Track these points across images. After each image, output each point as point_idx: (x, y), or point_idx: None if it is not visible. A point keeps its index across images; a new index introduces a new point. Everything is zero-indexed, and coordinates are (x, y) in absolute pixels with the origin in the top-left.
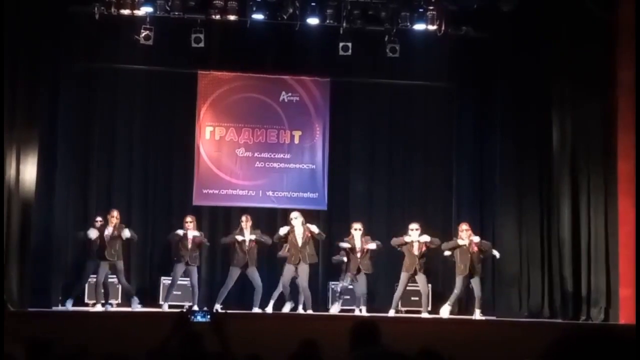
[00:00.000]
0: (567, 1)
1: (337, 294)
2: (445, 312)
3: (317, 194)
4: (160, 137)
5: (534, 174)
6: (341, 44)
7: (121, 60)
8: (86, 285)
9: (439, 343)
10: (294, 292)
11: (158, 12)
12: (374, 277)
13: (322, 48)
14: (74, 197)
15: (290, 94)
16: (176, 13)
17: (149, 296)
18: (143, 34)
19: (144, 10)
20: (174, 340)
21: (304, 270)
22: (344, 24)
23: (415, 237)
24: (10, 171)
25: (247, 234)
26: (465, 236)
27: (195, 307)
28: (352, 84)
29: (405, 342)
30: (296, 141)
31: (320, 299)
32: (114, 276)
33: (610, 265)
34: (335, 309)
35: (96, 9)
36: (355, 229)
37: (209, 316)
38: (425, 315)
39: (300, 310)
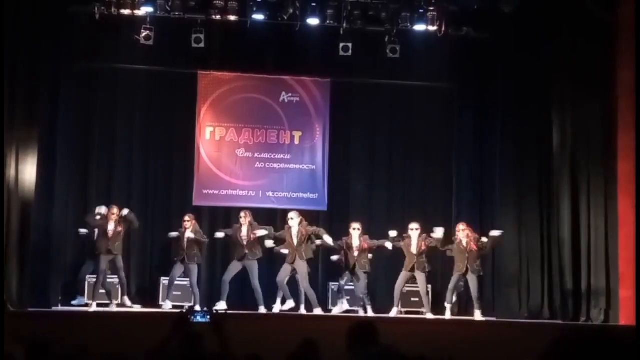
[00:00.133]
0: (568, 2)
1: (337, 294)
2: (446, 313)
3: (317, 195)
4: (160, 138)
5: (534, 174)
6: (341, 45)
7: (121, 61)
8: (85, 285)
9: (438, 344)
10: (293, 292)
11: (158, 12)
12: (374, 277)
13: (322, 48)
14: (73, 197)
15: (290, 95)
16: (176, 13)
17: (149, 296)
18: (143, 34)
19: (144, 10)
20: (173, 341)
21: (302, 269)
22: (345, 25)
23: (415, 237)
24: (10, 171)
25: (244, 230)
26: (463, 236)
27: (198, 307)
28: (352, 84)
29: (405, 343)
30: (296, 142)
31: (320, 299)
32: (115, 276)
33: (610, 266)
34: (337, 309)
35: (96, 9)
36: (354, 229)
37: (208, 316)
38: (429, 315)
39: (303, 310)
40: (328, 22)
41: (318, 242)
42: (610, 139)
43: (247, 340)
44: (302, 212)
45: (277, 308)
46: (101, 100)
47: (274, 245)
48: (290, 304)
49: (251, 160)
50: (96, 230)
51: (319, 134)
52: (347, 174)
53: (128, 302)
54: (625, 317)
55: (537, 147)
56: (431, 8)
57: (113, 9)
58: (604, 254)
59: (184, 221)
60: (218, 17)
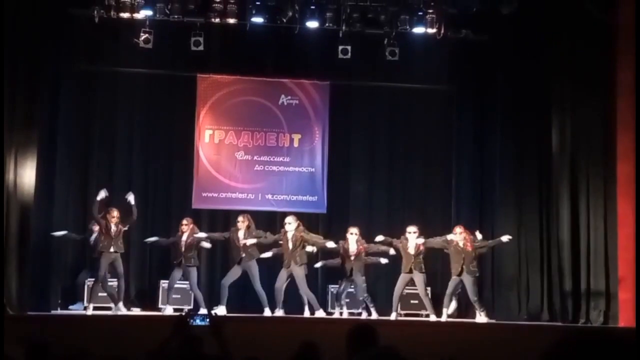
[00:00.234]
0: (567, 3)
1: (336, 302)
2: (442, 317)
3: (316, 197)
4: (159, 140)
5: (533, 175)
6: (340, 47)
7: (121, 64)
8: (85, 289)
9: (438, 346)
10: (294, 295)
11: (157, 16)
12: (374, 280)
13: (321, 51)
14: (73, 200)
15: (289, 97)
16: (175, 16)
17: (148, 299)
18: (142, 37)
19: (144, 14)
20: (172, 343)
21: (298, 273)
22: (344, 27)
23: (412, 240)
24: (10, 174)
25: (241, 235)
26: (459, 238)
27: (203, 310)
28: (351, 87)
29: (405, 345)
30: (295, 144)
31: (319, 302)
32: (114, 279)
33: (609, 268)
34: (337, 313)
35: (96, 12)
36: (351, 233)
37: (208, 319)
38: (432, 317)
39: (307, 313)
40: (327, 24)
41: (313, 248)
42: (610, 140)
43: (246, 343)
44: (301, 215)
45: (277, 312)
46: (101, 103)
47: (269, 255)
48: (279, 312)
49: (250, 163)
50: (95, 231)
51: (318, 137)
52: (347, 177)
53: (123, 309)
54: (624, 319)
55: (537, 148)
56: (430, 10)
57: (112, 12)
58: (603, 255)
59: (182, 224)
60: (217, 20)
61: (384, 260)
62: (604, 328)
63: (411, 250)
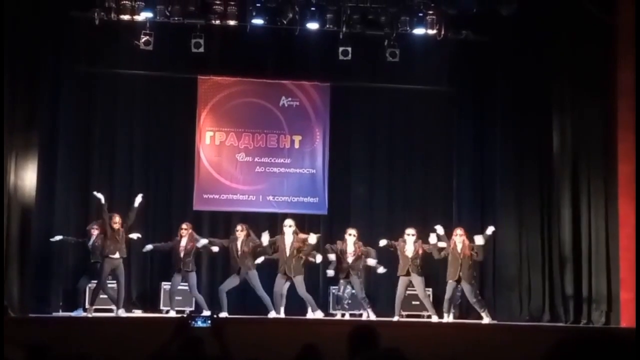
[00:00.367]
0: (567, 4)
1: (336, 305)
2: (445, 319)
3: (317, 199)
4: (160, 142)
5: (534, 177)
6: (341, 49)
7: (121, 66)
8: (86, 294)
9: (440, 347)
10: (295, 297)
11: (158, 18)
12: (374, 281)
13: (322, 53)
14: (74, 203)
15: (290, 99)
16: (176, 18)
17: (149, 301)
18: (143, 39)
19: (144, 16)
20: (173, 346)
21: (297, 281)
22: (344, 29)
23: (410, 242)
24: (10, 176)
25: (239, 244)
26: (459, 241)
27: (206, 312)
28: (352, 88)
29: (406, 347)
30: (296, 146)
31: (321, 304)
32: (114, 282)
33: (611, 268)
34: (339, 315)
35: (96, 14)
36: (350, 234)
37: (209, 321)
38: (434, 318)
39: (310, 314)
40: (327, 26)
41: (311, 258)
42: (611, 141)
43: (247, 345)
44: (302, 216)
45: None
46: (101, 105)
47: (261, 261)
48: (281, 315)
49: (251, 165)
50: (94, 235)
51: (319, 138)
52: (347, 178)
53: (123, 314)
54: (626, 320)
55: (537, 149)
56: (430, 12)
57: (113, 15)
58: (604, 256)
59: (181, 229)
60: (217, 22)
61: (381, 270)
62: (606, 328)
63: (409, 253)
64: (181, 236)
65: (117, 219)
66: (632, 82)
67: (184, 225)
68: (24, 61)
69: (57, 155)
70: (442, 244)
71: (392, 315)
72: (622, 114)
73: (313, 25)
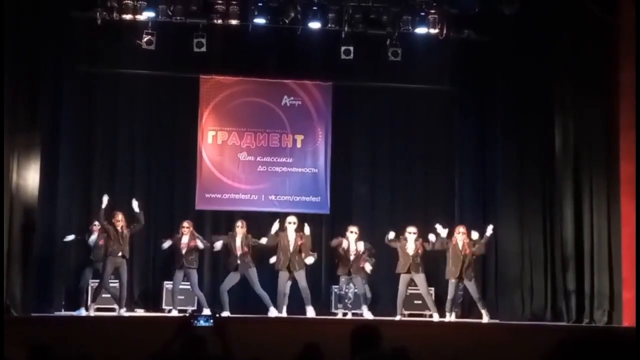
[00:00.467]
0: (569, 4)
1: (338, 303)
2: (447, 319)
3: (319, 198)
4: (162, 142)
5: (536, 176)
6: (343, 48)
7: (123, 65)
8: (88, 292)
9: (442, 346)
10: (293, 298)
11: (160, 17)
12: (376, 281)
13: (324, 52)
14: (76, 202)
15: (292, 98)
16: (178, 18)
17: (151, 300)
18: (145, 39)
19: (146, 15)
20: (176, 345)
21: (299, 275)
22: (346, 28)
23: (411, 240)
24: (13, 176)
25: (238, 240)
26: (460, 239)
27: (206, 310)
28: (354, 87)
29: (409, 346)
30: (298, 145)
31: (322, 302)
32: (116, 281)
33: (613, 267)
34: (341, 314)
35: (98, 13)
36: (351, 232)
37: (211, 320)
38: (435, 317)
39: (311, 313)
40: (329, 25)
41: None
42: (613, 140)
43: (249, 344)
44: (304, 216)
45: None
46: (103, 105)
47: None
48: (283, 314)
49: (253, 164)
50: (95, 235)
51: (321, 137)
52: (350, 177)
53: (125, 313)
54: (628, 319)
55: (539, 148)
56: (432, 11)
57: (115, 14)
58: (607, 255)
59: (182, 227)
60: (219, 21)
61: (368, 267)
62: (608, 328)
63: (410, 251)
64: (182, 234)
65: (119, 217)
66: (634, 81)
67: (185, 224)
68: (26, 61)
69: (59, 154)
70: (443, 236)
71: (394, 315)
72: (624, 113)
73: (315, 25)
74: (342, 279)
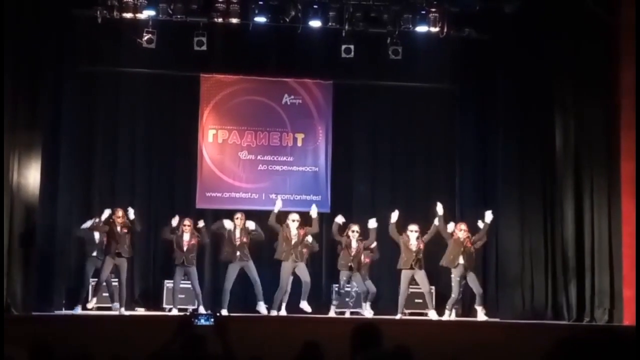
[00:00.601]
0: (569, 2)
1: (338, 298)
2: (446, 317)
3: (320, 197)
4: (163, 140)
5: (536, 174)
6: (343, 47)
7: (124, 64)
8: (89, 287)
9: (442, 345)
10: (293, 298)
11: (160, 16)
12: (377, 278)
13: (324, 50)
14: (77, 201)
15: (292, 97)
16: (178, 16)
17: (152, 299)
18: (145, 37)
19: (147, 14)
20: (176, 344)
21: (301, 268)
22: (346, 27)
23: (413, 238)
24: (13, 175)
25: (238, 232)
26: (462, 236)
27: (202, 309)
28: (354, 86)
29: (410, 344)
30: (299, 144)
31: (323, 301)
32: (116, 280)
33: (614, 266)
34: (334, 312)
35: (98, 12)
36: (353, 231)
37: (212, 319)
38: (433, 316)
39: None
40: (330, 24)
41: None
42: (614, 139)
43: (250, 343)
44: (305, 214)
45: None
46: (104, 104)
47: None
48: (282, 312)
49: (254, 163)
50: (96, 235)
51: (322, 136)
52: (350, 176)
53: (126, 313)
54: (629, 317)
55: (540, 147)
56: (433, 9)
57: (115, 13)
58: (607, 253)
59: (183, 225)
60: (220, 20)
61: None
62: (609, 326)
63: (413, 247)
64: (183, 231)
65: (119, 213)
66: (634, 80)
67: (186, 222)
68: (26, 60)
69: (60, 153)
70: (440, 214)
71: (395, 313)
72: (625, 112)
73: (315, 23)
74: (343, 276)
